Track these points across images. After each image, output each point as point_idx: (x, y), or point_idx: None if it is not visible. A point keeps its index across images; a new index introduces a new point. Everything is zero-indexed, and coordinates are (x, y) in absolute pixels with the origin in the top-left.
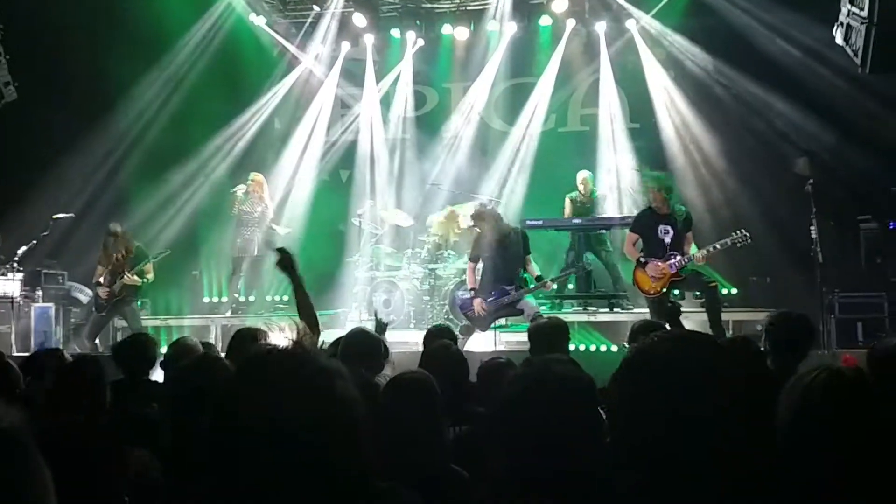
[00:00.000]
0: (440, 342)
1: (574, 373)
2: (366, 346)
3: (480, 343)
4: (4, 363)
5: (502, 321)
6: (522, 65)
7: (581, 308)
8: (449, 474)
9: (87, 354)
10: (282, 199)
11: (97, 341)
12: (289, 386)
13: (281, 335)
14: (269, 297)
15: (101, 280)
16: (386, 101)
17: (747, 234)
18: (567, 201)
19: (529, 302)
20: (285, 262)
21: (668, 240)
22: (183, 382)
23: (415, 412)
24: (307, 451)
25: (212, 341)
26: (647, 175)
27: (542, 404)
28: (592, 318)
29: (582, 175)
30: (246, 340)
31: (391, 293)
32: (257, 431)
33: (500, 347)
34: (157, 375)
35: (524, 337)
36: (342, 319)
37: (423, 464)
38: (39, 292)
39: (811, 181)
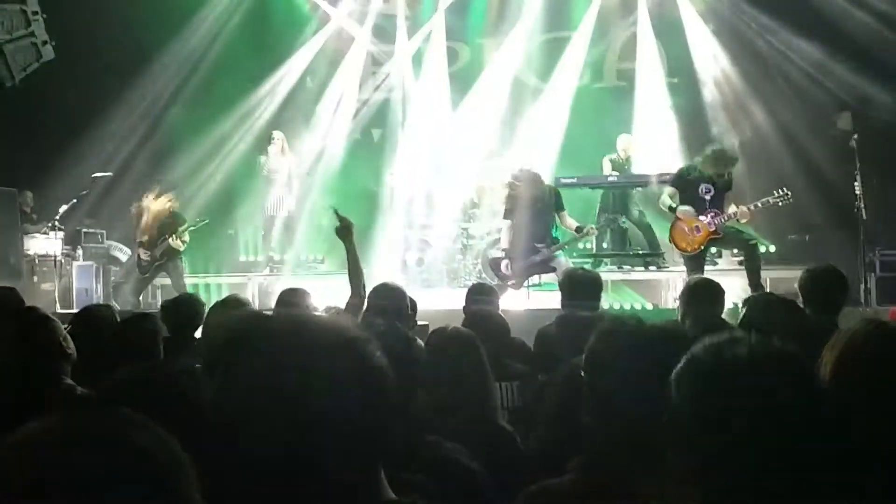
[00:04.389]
0: (479, 303)
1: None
2: (392, 301)
3: (513, 301)
4: (41, 316)
5: (535, 279)
6: (557, 18)
7: (616, 267)
8: (497, 431)
9: (145, 311)
10: (315, 158)
11: (140, 298)
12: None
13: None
14: (302, 256)
15: (143, 241)
16: (418, 58)
17: (789, 193)
18: (606, 162)
19: (562, 260)
20: (344, 230)
21: (708, 197)
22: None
23: (461, 366)
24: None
25: (249, 298)
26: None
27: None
28: (627, 277)
29: (623, 141)
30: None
31: (424, 252)
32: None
33: (533, 306)
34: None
35: (557, 295)
36: (375, 278)
37: (473, 419)
38: (80, 251)
39: (855, 136)
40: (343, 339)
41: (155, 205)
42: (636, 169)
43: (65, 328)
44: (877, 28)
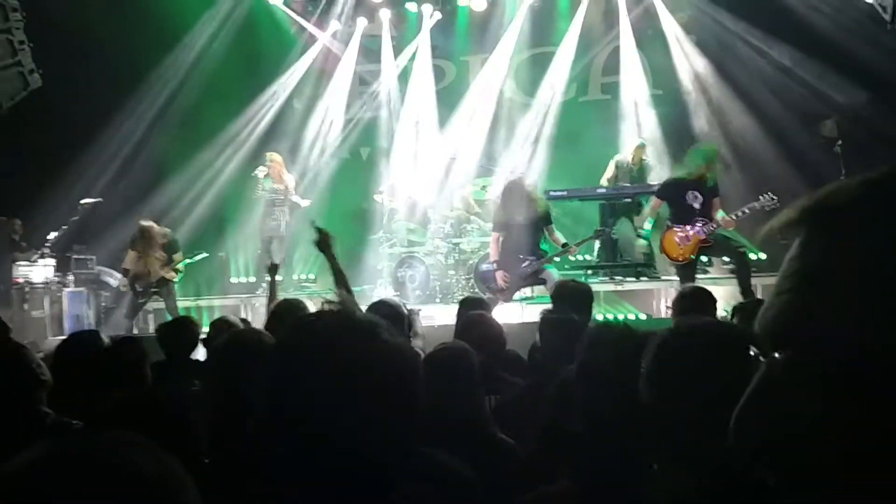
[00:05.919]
0: (475, 312)
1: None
2: (390, 317)
3: (507, 315)
4: (10, 344)
5: (528, 292)
6: (541, 34)
7: (608, 278)
8: (493, 441)
9: (128, 335)
10: (303, 178)
11: (133, 322)
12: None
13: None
14: (296, 276)
15: (136, 268)
16: (404, 77)
17: (775, 198)
18: (612, 164)
19: (552, 272)
20: (323, 242)
21: (696, 205)
22: (225, 356)
23: (452, 386)
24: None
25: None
26: (697, 151)
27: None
28: (619, 288)
29: (635, 147)
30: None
31: (416, 269)
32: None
33: (527, 319)
34: (200, 355)
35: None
36: (368, 296)
37: (467, 434)
38: (70, 277)
39: (840, 142)
40: (405, 352)
41: (154, 233)
42: (648, 174)
43: (40, 356)
44: (859, 34)
